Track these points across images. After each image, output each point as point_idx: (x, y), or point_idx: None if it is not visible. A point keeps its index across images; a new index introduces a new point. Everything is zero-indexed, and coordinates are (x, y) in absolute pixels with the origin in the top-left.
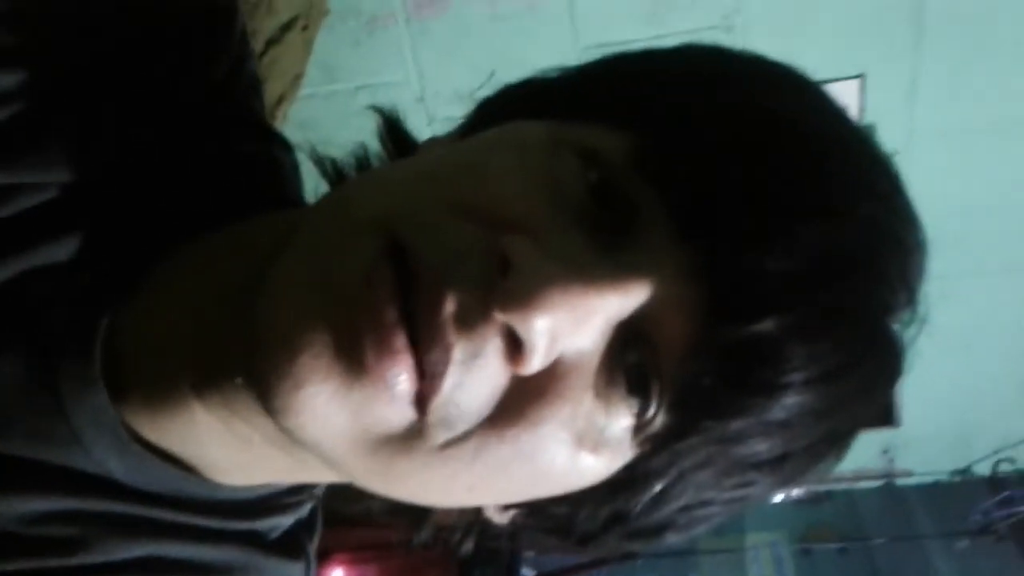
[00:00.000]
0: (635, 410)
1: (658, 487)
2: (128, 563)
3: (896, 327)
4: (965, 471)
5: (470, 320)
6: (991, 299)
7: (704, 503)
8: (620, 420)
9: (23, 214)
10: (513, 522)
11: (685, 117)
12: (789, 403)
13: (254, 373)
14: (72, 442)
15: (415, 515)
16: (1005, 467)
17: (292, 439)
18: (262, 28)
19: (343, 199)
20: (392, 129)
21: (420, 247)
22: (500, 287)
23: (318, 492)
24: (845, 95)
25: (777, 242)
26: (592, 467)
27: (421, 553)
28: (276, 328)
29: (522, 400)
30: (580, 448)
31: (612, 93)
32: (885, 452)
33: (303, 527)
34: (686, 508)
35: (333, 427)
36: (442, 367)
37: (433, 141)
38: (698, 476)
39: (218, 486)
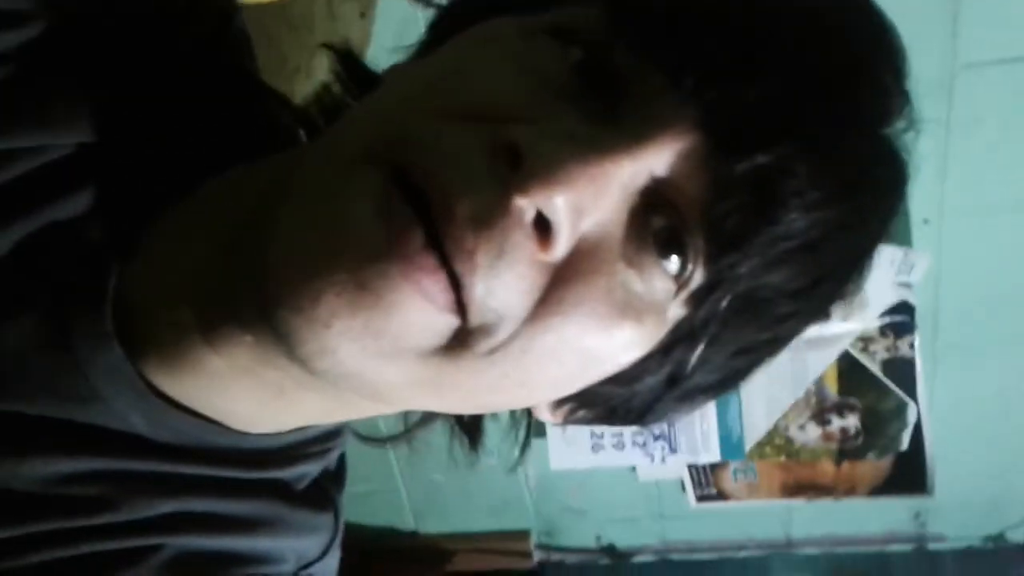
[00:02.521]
0: (674, 270)
1: (705, 339)
2: (154, 521)
3: (895, 132)
4: (998, 537)
5: (486, 218)
6: (1022, 368)
7: (748, 349)
8: (657, 283)
9: (28, 175)
10: (565, 418)
11: None
12: (814, 222)
13: (275, 323)
14: (92, 399)
15: (468, 430)
16: None
17: (329, 380)
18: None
19: (335, 138)
20: (349, 65)
21: (421, 163)
22: (518, 172)
23: (343, 441)
24: None
25: (761, 70)
26: (638, 336)
27: None
28: (294, 274)
29: (558, 288)
30: (623, 319)
31: None
32: (917, 516)
33: (330, 477)
34: (734, 355)
35: (372, 355)
36: (469, 276)
37: (395, 68)
38: (740, 319)
39: (244, 435)
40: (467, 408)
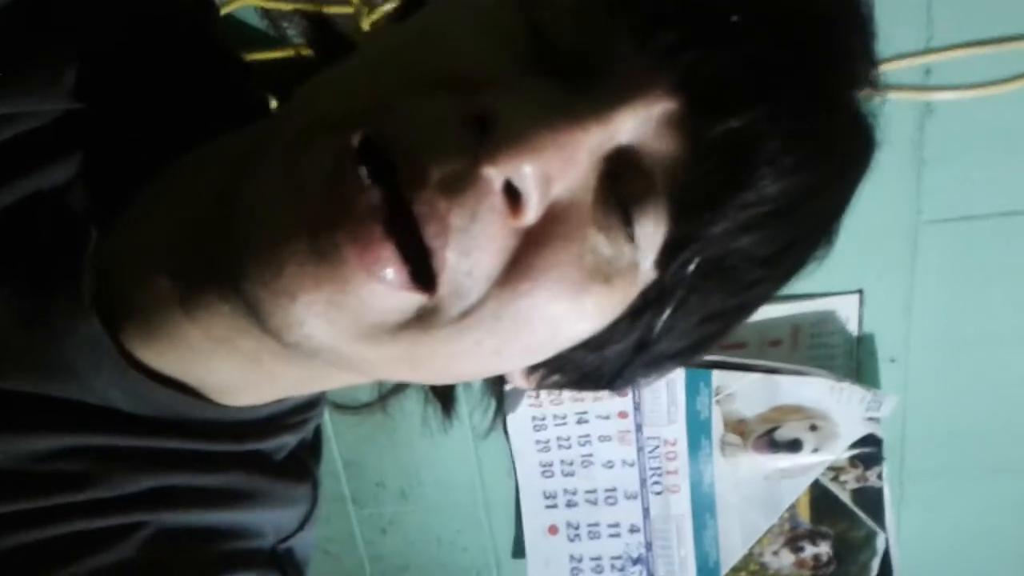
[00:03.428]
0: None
1: (672, 304)
2: (136, 496)
3: (862, 99)
4: None
5: (458, 185)
6: (986, 498)
7: (715, 315)
8: (625, 247)
9: (9, 142)
10: (538, 384)
11: None
12: (785, 187)
13: (244, 295)
14: (70, 374)
15: (441, 397)
16: None
17: (302, 353)
18: None
19: (302, 105)
20: (322, 30)
21: (391, 132)
22: (486, 142)
23: (320, 412)
24: (845, 308)
25: (736, 34)
26: (607, 301)
27: None
28: (258, 246)
29: (529, 252)
30: (593, 283)
31: None
32: None
33: (307, 448)
34: (702, 322)
35: (340, 331)
36: (441, 239)
37: (368, 34)
38: (708, 284)
39: (223, 408)
40: (443, 378)
